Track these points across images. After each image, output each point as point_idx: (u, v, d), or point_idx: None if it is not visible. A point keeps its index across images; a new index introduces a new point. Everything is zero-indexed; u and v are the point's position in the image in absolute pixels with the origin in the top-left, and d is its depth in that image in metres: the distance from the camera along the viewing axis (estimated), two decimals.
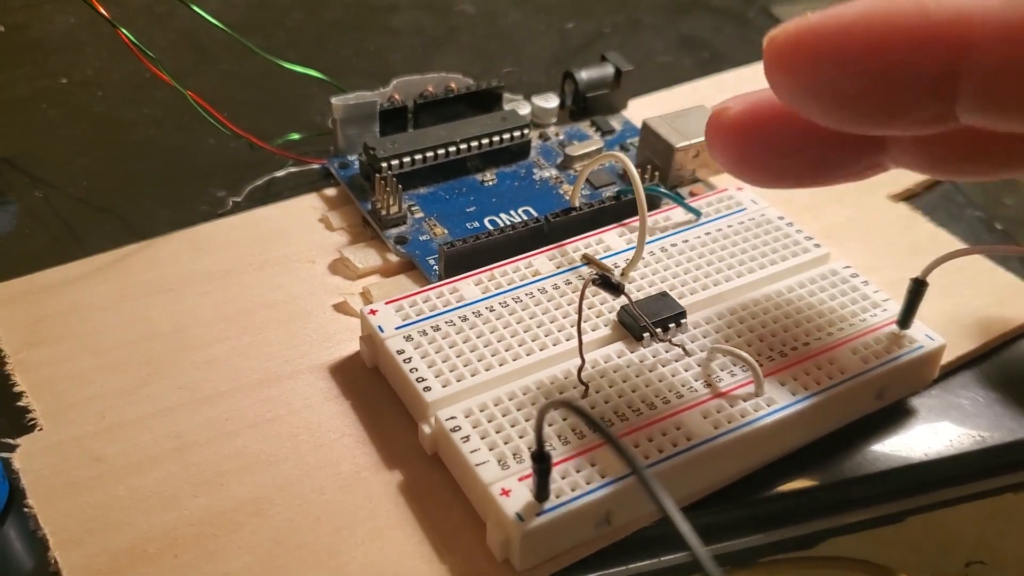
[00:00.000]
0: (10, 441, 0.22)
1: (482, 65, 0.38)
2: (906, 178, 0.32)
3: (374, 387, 0.24)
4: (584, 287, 0.23)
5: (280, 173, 0.31)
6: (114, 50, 0.37)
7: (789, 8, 0.59)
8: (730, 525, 0.23)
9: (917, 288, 0.24)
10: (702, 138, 0.30)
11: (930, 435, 0.25)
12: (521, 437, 0.21)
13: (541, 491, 0.20)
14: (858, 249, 0.29)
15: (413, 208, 0.29)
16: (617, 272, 0.25)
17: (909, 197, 0.32)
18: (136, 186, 0.31)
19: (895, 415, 0.25)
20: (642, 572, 0.22)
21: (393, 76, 0.31)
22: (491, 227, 0.28)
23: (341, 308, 0.26)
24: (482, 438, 0.21)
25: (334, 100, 0.30)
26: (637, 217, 0.26)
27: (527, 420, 0.22)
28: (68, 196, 0.31)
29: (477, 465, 0.21)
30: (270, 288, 0.27)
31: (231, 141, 0.32)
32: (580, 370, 0.22)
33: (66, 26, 0.39)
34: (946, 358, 0.25)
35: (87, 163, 0.32)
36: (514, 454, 0.21)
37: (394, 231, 0.28)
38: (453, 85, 0.31)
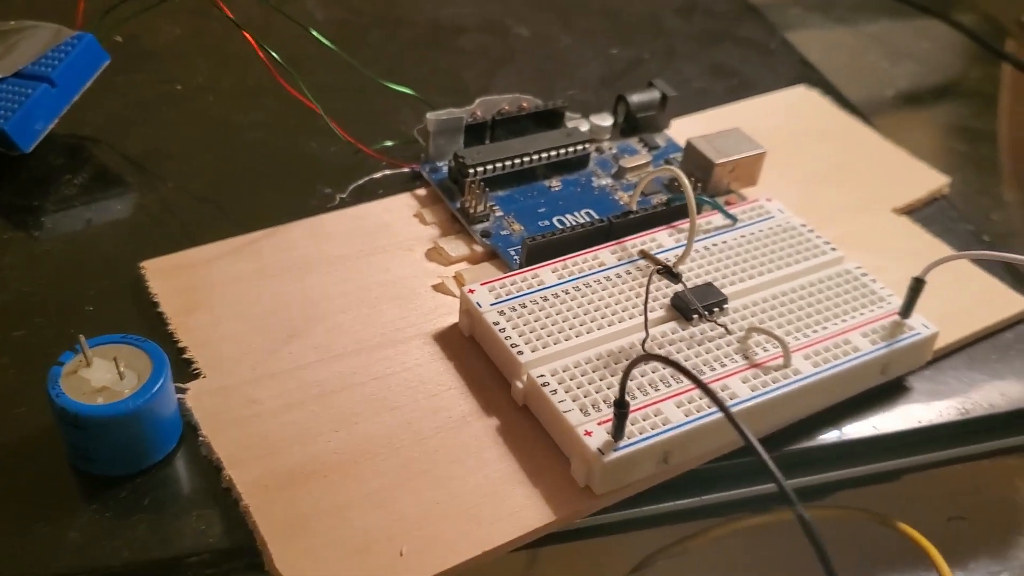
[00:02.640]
0: (180, 385, 0.28)
1: (541, 83, 0.43)
2: (907, 194, 0.38)
3: (470, 352, 0.30)
4: (650, 275, 0.28)
5: (377, 175, 0.36)
6: (220, 60, 0.42)
7: (805, 34, 0.65)
8: (755, 472, 0.28)
9: (917, 285, 0.29)
10: (738, 155, 0.35)
11: (923, 407, 0.30)
12: (597, 392, 0.27)
13: (618, 432, 0.25)
14: (867, 253, 0.34)
15: (494, 207, 0.34)
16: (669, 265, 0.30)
17: (909, 212, 0.38)
18: (253, 181, 0.36)
19: (895, 389, 0.31)
20: (689, 508, 0.28)
21: (465, 91, 0.37)
22: (559, 225, 0.34)
23: (439, 288, 0.32)
24: (566, 392, 0.27)
25: (429, 115, 0.35)
26: (686, 220, 0.32)
27: (601, 379, 0.27)
28: (195, 188, 0.36)
29: (565, 412, 0.26)
30: (379, 270, 0.32)
31: (331, 145, 0.37)
32: (644, 342, 0.28)
33: (172, 37, 0.44)
34: (938, 345, 0.31)
35: (209, 160, 0.37)
36: (592, 405, 0.26)
37: (479, 226, 0.33)
38: (525, 104, 0.37)
